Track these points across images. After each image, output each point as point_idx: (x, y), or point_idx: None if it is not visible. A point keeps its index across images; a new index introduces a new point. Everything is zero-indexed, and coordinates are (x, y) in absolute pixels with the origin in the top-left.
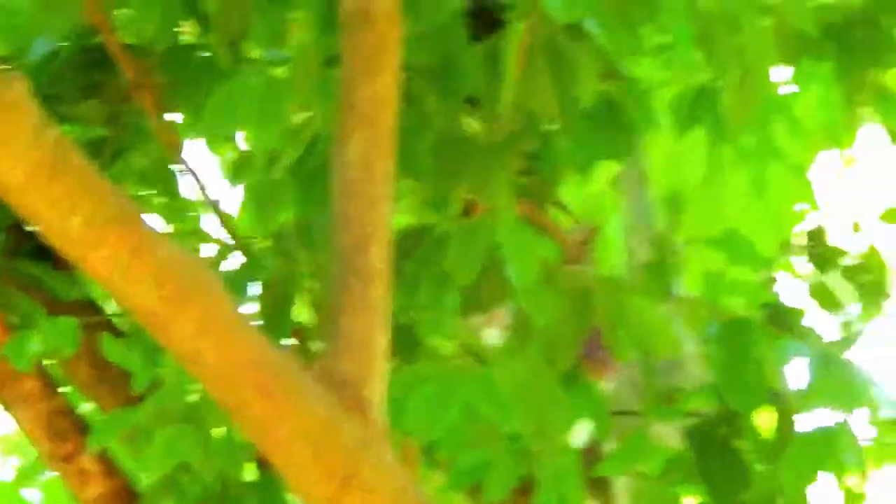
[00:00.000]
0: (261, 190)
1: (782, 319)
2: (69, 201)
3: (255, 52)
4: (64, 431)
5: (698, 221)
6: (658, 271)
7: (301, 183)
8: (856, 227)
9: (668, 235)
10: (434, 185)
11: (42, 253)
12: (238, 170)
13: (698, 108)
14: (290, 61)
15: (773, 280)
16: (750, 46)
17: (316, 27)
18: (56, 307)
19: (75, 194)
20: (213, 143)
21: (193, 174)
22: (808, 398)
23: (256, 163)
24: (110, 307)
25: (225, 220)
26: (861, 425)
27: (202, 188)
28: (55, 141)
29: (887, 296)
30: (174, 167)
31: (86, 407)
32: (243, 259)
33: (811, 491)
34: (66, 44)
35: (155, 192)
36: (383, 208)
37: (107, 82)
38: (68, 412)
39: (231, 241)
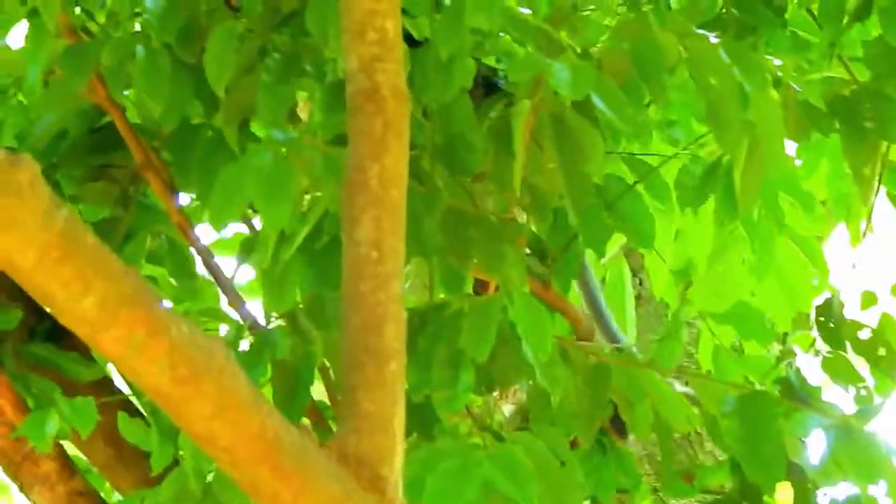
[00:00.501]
0: (272, 269)
1: (799, 393)
2: (81, 282)
3: (263, 131)
4: None
5: (707, 296)
6: (671, 346)
7: (312, 262)
8: (870, 300)
9: (678, 310)
10: (445, 262)
11: (57, 334)
12: (248, 249)
13: (707, 183)
14: (298, 140)
15: (787, 354)
16: (759, 121)
17: (324, 105)
18: (73, 386)
19: (87, 275)
20: (220, 223)
21: (205, 253)
22: (828, 471)
23: (267, 242)
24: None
25: (237, 299)
26: (882, 497)
27: (214, 268)
28: (66, 222)
29: None
30: (186, 247)
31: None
32: (256, 338)
33: None
34: (74, 124)
35: (167, 271)
36: (395, 286)
37: (116, 162)
38: (87, 493)
39: (244, 321)
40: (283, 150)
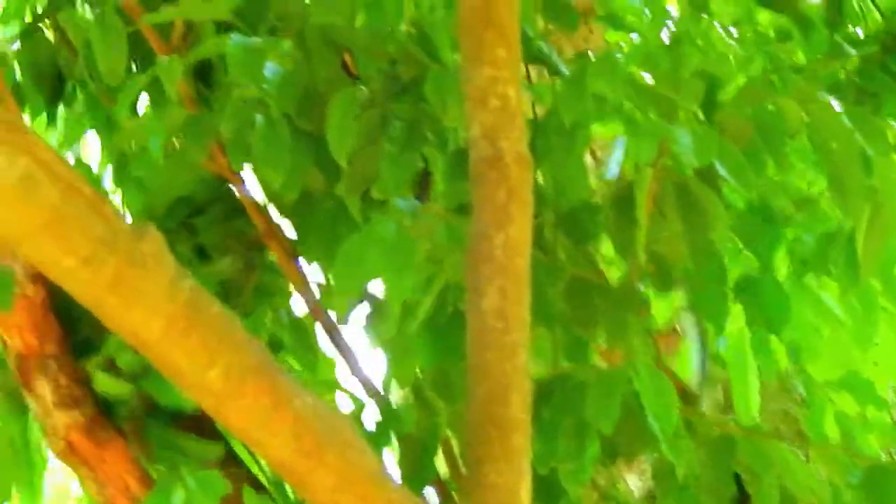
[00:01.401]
0: (396, 341)
1: None
2: (206, 353)
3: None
4: None
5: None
6: (792, 415)
7: (436, 332)
8: None
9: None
10: (569, 332)
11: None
12: (372, 320)
13: (828, 251)
14: (422, 209)
15: None
16: (882, 187)
17: (446, 173)
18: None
19: (212, 346)
20: (344, 293)
21: (329, 324)
22: None
23: (391, 313)
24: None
25: (360, 371)
26: None
27: (337, 339)
28: (190, 292)
29: None
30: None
31: None
32: (381, 410)
33: None
34: (196, 192)
35: (287, 344)
36: (520, 357)
37: (239, 231)
38: None
39: (369, 393)
40: (407, 219)
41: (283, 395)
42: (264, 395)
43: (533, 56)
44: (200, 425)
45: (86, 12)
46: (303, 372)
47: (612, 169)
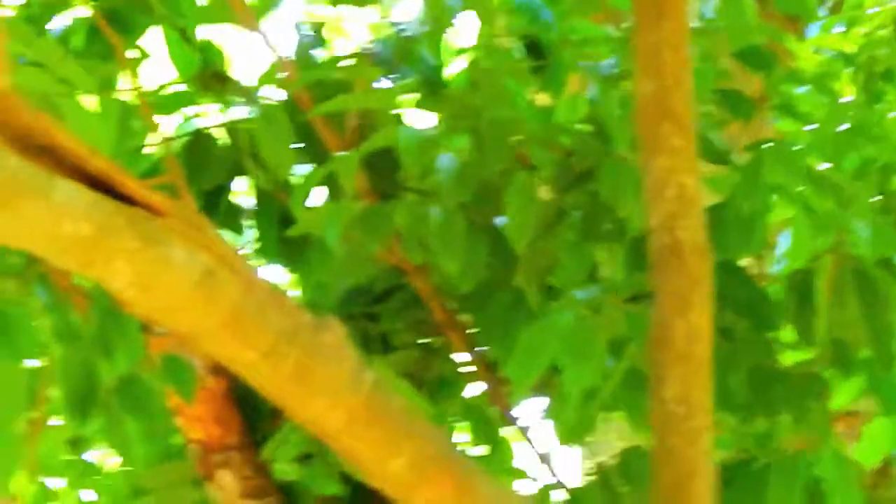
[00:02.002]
0: (577, 427)
1: None
2: (390, 444)
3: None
4: None
5: None
6: None
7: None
8: None
9: None
10: (750, 417)
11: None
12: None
13: None
14: (601, 299)
15: None
16: None
17: (626, 263)
18: None
19: (396, 437)
20: (523, 382)
21: (509, 411)
22: None
23: (570, 400)
24: None
25: (544, 457)
26: None
27: (519, 426)
28: (373, 384)
29: None
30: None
31: None
32: (569, 496)
33: None
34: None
35: (470, 432)
36: (704, 442)
37: (418, 321)
38: None
39: (551, 478)
40: (585, 308)
41: (467, 483)
42: (448, 483)
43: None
44: None
45: (252, 108)
46: (485, 458)
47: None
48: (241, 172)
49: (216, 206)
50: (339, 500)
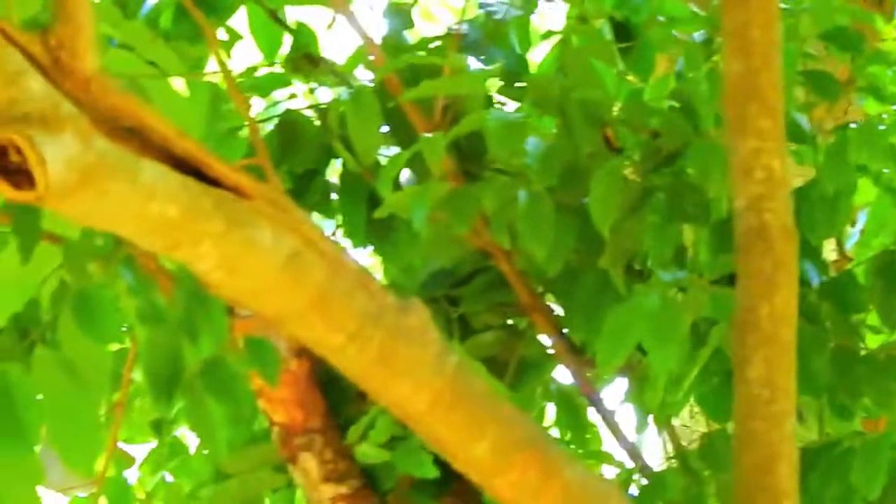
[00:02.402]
0: (662, 410)
1: None
2: (474, 427)
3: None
4: None
5: None
6: None
7: (703, 401)
8: None
9: None
10: (834, 400)
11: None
12: (639, 391)
13: None
14: (686, 280)
15: None
16: None
17: (711, 245)
18: None
19: (480, 420)
20: (610, 364)
21: (594, 395)
22: None
23: (656, 383)
24: None
25: (627, 440)
26: None
27: (604, 411)
28: (456, 367)
29: None
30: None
31: None
32: (649, 480)
33: None
34: (459, 264)
35: (557, 419)
36: (788, 425)
37: (501, 304)
38: None
39: (634, 461)
40: (671, 290)
41: (552, 467)
42: (533, 468)
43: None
44: (466, 495)
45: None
46: (570, 442)
47: (855, 237)
48: (333, 155)
49: (308, 189)
50: (423, 484)
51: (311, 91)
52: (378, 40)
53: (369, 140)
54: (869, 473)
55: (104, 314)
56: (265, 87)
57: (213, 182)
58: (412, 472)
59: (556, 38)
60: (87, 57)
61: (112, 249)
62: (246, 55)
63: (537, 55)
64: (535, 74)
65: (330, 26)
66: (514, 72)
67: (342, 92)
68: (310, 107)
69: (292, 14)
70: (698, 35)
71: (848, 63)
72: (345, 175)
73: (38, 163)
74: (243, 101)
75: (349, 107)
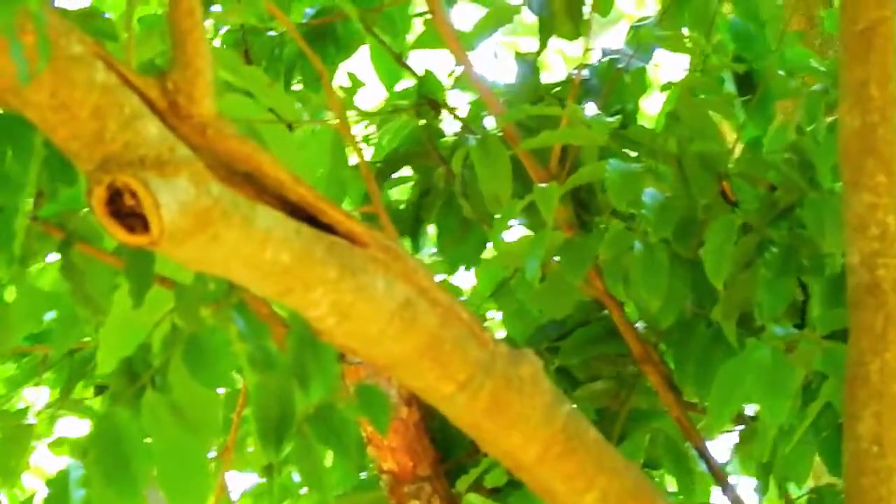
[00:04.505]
0: (770, 463)
1: None
2: (583, 477)
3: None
4: None
5: None
6: None
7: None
8: None
9: None
10: None
11: None
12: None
13: None
14: (799, 335)
15: None
16: None
17: (823, 299)
18: None
19: (589, 470)
20: (720, 419)
21: (702, 446)
22: None
23: (766, 435)
24: None
25: (733, 491)
26: None
27: (713, 464)
28: (567, 417)
29: None
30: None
31: None
32: None
33: None
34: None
35: (665, 469)
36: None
37: (611, 354)
38: None
39: None
40: (783, 344)
41: None
42: None
43: None
44: None
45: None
46: (678, 493)
47: None
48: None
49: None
50: None
51: (437, 137)
52: (502, 88)
53: (498, 185)
54: None
55: (215, 359)
56: (387, 132)
57: (327, 228)
58: None
59: (675, 87)
60: (204, 102)
61: (224, 294)
62: (368, 99)
63: (650, 105)
64: (653, 125)
65: (451, 74)
66: (628, 121)
67: (468, 138)
68: (432, 150)
69: (416, 60)
70: (818, 87)
71: None
72: (463, 220)
73: (153, 206)
74: (359, 149)
75: (477, 152)
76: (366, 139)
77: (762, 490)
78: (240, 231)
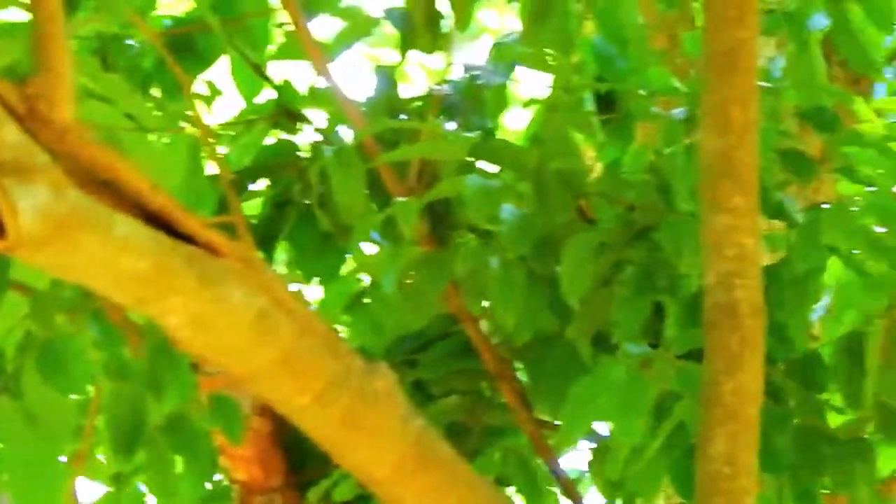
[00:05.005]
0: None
1: None
2: (436, 493)
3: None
4: None
5: None
6: None
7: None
8: None
9: None
10: (796, 479)
11: None
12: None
13: None
14: (653, 354)
15: None
16: None
17: (680, 319)
18: None
19: (443, 486)
20: (572, 436)
21: (554, 463)
22: None
23: (618, 454)
24: None
25: None
26: None
27: (565, 481)
28: (421, 432)
29: None
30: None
31: None
32: None
33: None
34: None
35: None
36: (748, 503)
37: (465, 370)
38: None
39: None
40: (637, 363)
41: None
42: None
43: (770, 207)
44: None
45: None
46: None
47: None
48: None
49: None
50: None
51: (292, 148)
52: (361, 100)
53: (352, 198)
54: None
55: (70, 366)
56: (243, 142)
57: (185, 237)
58: None
59: (535, 106)
60: (64, 107)
61: (80, 301)
62: (225, 108)
63: (511, 121)
64: (513, 142)
65: (310, 86)
66: (488, 135)
67: (324, 149)
68: (289, 162)
69: (278, 71)
70: (678, 111)
71: (821, 142)
72: (320, 234)
73: (10, 212)
74: (218, 156)
75: (332, 164)
76: (226, 148)
77: None
78: (97, 238)
